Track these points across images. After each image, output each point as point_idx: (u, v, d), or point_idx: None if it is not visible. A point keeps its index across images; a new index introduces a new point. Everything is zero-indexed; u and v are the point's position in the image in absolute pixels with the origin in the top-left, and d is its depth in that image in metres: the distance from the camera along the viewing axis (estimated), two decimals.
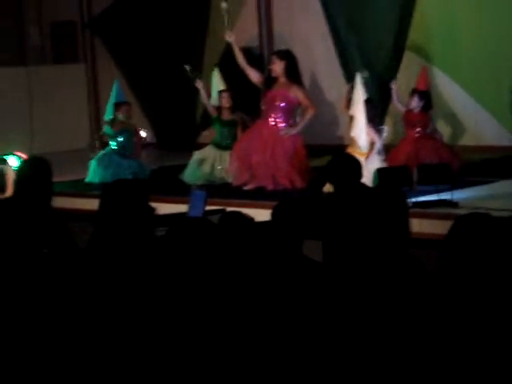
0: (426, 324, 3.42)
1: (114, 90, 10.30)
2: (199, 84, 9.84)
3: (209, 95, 9.98)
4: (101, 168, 9.89)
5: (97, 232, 3.74)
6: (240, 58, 9.20)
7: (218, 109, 9.79)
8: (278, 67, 8.93)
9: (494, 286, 3.45)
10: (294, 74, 9.01)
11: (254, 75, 9.17)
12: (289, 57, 9.06)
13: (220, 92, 9.81)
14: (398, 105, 9.50)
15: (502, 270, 3.50)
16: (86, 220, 6.10)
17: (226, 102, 9.69)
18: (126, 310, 3.42)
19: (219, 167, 9.50)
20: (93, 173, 9.92)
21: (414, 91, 9.28)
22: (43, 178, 4.92)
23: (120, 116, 10.08)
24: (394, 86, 9.49)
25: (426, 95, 9.26)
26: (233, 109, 9.70)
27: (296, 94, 8.96)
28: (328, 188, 5.74)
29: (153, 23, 12.86)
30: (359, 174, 5.56)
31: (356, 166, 5.56)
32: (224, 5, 9.61)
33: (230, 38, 9.26)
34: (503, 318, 3.36)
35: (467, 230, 3.55)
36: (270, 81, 8.99)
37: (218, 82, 9.94)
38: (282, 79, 8.94)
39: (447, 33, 10.64)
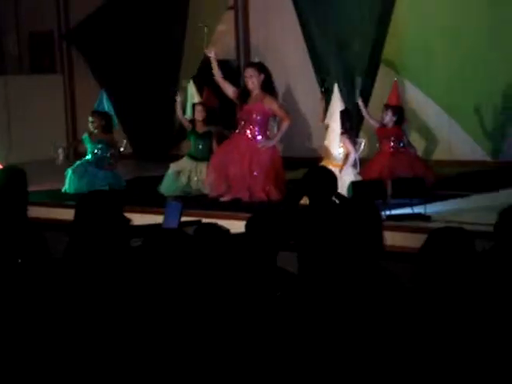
0: (401, 336, 3.45)
1: (102, 99, 10.27)
2: (178, 98, 9.88)
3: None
4: (76, 178, 9.88)
5: (72, 242, 3.74)
6: (217, 73, 9.22)
7: (192, 121, 9.81)
8: (257, 80, 8.94)
9: (466, 299, 3.49)
10: (269, 86, 9.05)
11: (230, 90, 9.19)
12: (266, 70, 9.10)
13: (194, 105, 9.83)
14: (369, 120, 9.55)
15: (473, 284, 3.54)
16: (61, 230, 6.10)
17: (200, 115, 9.71)
18: (100, 320, 3.43)
19: (195, 178, 9.51)
20: (68, 182, 9.91)
21: (387, 106, 9.34)
22: (18, 188, 4.92)
23: (90, 126, 10.07)
24: (360, 101, 9.53)
25: (398, 110, 9.33)
26: (207, 121, 9.74)
27: (270, 105, 8.99)
28: (304, 201, 5.77)
29: (130, 34, 12.86)
30: (334, 187, 5.59)
31: (331, 179, 5.59)
32: (206, 30, 9.66)
33: (210, 53, 9.28)
34: (477, 330, 3.39)
35: (441, 243, 3.59)
36: (245, 94, 9.01)
37: (192, 95, 9.96)
38: (257, 91, 8.97)
39: (421, 47, 10.73)
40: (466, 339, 3.38)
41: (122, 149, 10.34)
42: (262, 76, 8.94)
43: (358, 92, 9.39)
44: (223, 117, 9.80)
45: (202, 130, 9.73)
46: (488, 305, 3.50)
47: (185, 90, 10.29)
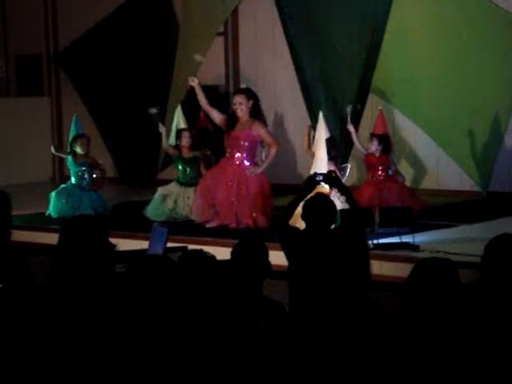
0: (388, 366, 3.42)
1: (73, 124, 10.27)
2: (162, 129, 9.84)
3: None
4: (60, 201, 9.82)
5: (55, 267, 3.69)
6: (203, 100, 9.19)
7: (177, 146, 9.76)
8: (245, 107, 8.91)
9: (452, 330, 3.46)
10: (258, 111, 9.02)
11: (217, 116, 9.16)
12: (254, 95, 9.07)
13: (180, 131, 9.77)
14: (360, 148, 9.54)
15: (459, 314, 3.52)
16: (44, 254, 6.03)
17: (186, 141, 9.67)
18: (82, 346, 3.37)
19: (182, 204, 9.46)
20: (52, 206, 9.85)
21: (373, 135, 9.34)
22: (2, 211, 4.86)
23: (78, 149, 10.06)
24: (350, 128, 9.53)
25: (384, 138, 9.32)
26: (193, 146, 9.70)
27: (258, 131, 8.96)
28: (300, 224, 5.71)
29: (119, 58, 12.88)
30: (333, 217, 5.52)
31: (330, 208, 5.53)
32: (198, 58, 9.63)
33: (193, 81, 9.25)
34: (465, 358, 3.37)
35: (427, 273, 3.58)
36: (232, 120, 8.98)
37: (179, 120, 9.92)
38: (245, 117, 8.94)
39: (409, 76, 10.76)
40: (454, 367, 3.35)
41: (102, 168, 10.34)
42: (251, 102, 8.91)
43: (349, 118, 9.40)
44: (217, 139, 9.74)
45: (188, 156, 9.69)
46: (474, 335, 3.48)
47: (171, 116, 10.26)
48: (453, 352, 3.41)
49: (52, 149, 10.63)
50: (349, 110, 9.62)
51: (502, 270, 3.90)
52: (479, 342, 3.48)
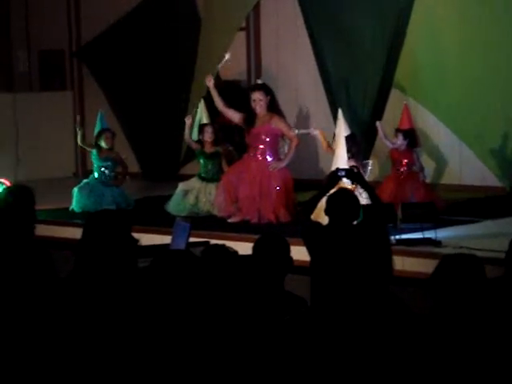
0: (409, 363, 3.41)
1: (98, 119, 10.32)
2: (188, 120, 9.84)
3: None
4: (83, 196, 9.87)
5: (78, 261, 3.71)
6: (218, 102, 9.18)
7: (200, 141, 9.77)
8: (264, 103, 8.92)
9: (478, 325, 3.45)
10: (275, 106, 9.03)
11: (235, 116, 9.16)
12: (271, 90, 9.11)
13: (203, 126, 9.78)
14: (386, 142, 9.51)
15: (485, 310, 3.50)
16: (68, 249, 6.06)
17: (209, 136, 9.67)
18: (106, 340, 3.39)
19: (204, 199, 9.47)
20: (75, 201, 9.90)
21: (398, 130, 9.31)
22: (26, 206, 4.89)
23: (103, 144, 10.10)
24: (378, 124, 9.51)
25: (409, 133, 9.29)
26: (215, 142, 9.70)
27: (278, 125, 8.98)
28: (323, 218, 5.71)
29: (141, 53, 12.90)
30: (357, 212, 5.52)
31: (354, 203, 5.52)
32: (227, 56, 9.63)
33: (209, 82, 9.26)
34: (490, 354, 3.35)
35: (453, 269, 3.55)
36: (251, 118, 8.97)
37: (202, 115, 9.93)
38: (263, 113, 8.95)
39: (433, 71, 10.71)
40: (478, 364, 3.34)
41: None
42: (269, 97, 8.93)
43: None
44: (240, 135, 9.72)
45: (210, 151, 9.69)
46: (499, 331, 3.46)
47: (195, 110, 10.27)
48: (477, 348, 3.39)
49: (78, 139, 10.64)
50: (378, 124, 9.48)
51: None
52: (503, 338, 3.46)
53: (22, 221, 4.83)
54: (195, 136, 9.85)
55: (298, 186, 9.37)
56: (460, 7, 10.54)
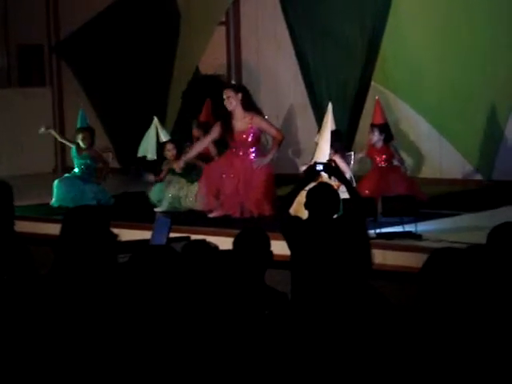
0: (390, 355, 3.41)
1: (79, 117, 10.31)
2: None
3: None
4: (62, 189, 9.86)
5: (58, 257, 3.69)
6: (198, 150, 9.28)
7: (164, 158, 9.56)
8: (234, 100, 8.94)
9: (469, 319, 3.45)
10: (250, 103, 9.06)
11: (214, 135, 9.18)
12: (243, 88, 9.18)
13: (163, 144, 9.62)
14: (363, 156, 9.45)
15: (476, 303, 3.50)
16: (47, 245, 6.03)
17: (172, 155, 9.54)
18: (86, 336, 3.38)
19: (185, 194, 9.42)
20: (54, 193, 9.88)
21: (373, 126, 9.32)
22: (4, 202, 4.86)
23: (80, 143, 10.09)
24: (352, 155, 9.37)
25: (384, 128, 9.31)
26: (179, 154, 9.48)
27: (259, 124, 9.02)
28: (302, 213, 5.71)
29: (120, 48, 12.86)
30: (337, 206, 5.52)
31: (333, 197, 5.52)
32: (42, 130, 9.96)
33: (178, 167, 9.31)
34: (482, 350, 3.36)
35: (443, 264, 3.55)
36: (227, 123, 8.97)
37: (158, 133, 9.73)
38: (239, 112, 8.95)
39: (412, 65, 10.75)
40: (465, 356, 3.35)
41: (109, 159, 10.37)
42: (240, 95, 8.95)
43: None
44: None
45: (179, 167, 9.39)
46: (484, 327, 3.46)
47: (172, 108, 10.24)
48: (463, 342, 3.39)
49: (57, 137, 10.67)
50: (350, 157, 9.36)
51: (504, 257, 3.89)
52: (487, 331, 3.46)
53: (1, 217, 4.80)
54: (153, 155, 9.67)
55: (278, 180, 9.37)
56: (440, 0, 10.59)
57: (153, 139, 9.79)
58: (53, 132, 10.78)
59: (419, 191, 9.06)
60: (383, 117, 9.44)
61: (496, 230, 4.00)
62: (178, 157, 9.54)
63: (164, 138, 9.75)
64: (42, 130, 10.65)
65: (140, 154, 9.89)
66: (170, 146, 9.61)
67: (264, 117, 9.26)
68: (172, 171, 9.53)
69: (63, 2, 13.68)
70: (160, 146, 9.72)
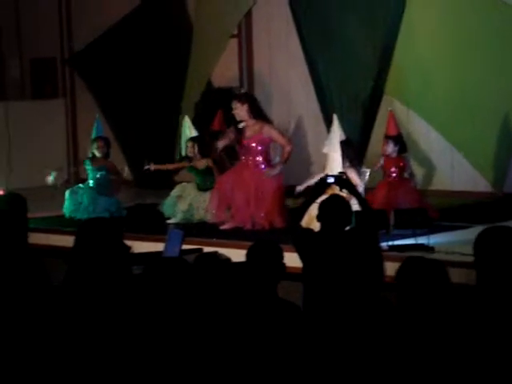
0: (400, 368, 3.42)
1: (94, 127, 10.34)
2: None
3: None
4: (75, 202, 9.87)
5: (71, 269, 3.71)
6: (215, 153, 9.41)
7: (188, 157, 9.75)
8: (241, 111, 8.97)
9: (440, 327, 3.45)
10: (258, 113, 9.07)
11: (227, 139, 9.23)
12: (249, 98, 9.21)
13: (187, 141, 9.79)
14: (377, 169, 9.45)
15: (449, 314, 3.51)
16: (61, 257, 6.05)
17: (191, 151, 9.67)
18: (100, 347, 3.39)
19: (197, 206, 9.45)
20: (67, 206, 9.90)
21: (388, 137, 9.32)
22: (19, 214, 4.89)
23: (96, 152, 10.10)
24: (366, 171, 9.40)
25: (398, 139, 9.31)
26: (202, 154, 9.61)
27: (269, 133, 9.03)
28: (315, 225, 5.72)
29: (133, 61, 12.90)
30: (349, 218, 5.53)
31: (346, 210, 5.53)
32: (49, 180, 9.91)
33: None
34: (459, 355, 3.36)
35: (412, 272, 3.59)
36: (238, 130, 9.02)
37: (185, 131, 9.95)
38: (249, 121, 8.98)
39: (423, 77, 10.74)
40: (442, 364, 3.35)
41: (125, 174, 10.41)
42: (246, 105, 8.97)
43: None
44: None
45: (200, 166, 9.61)
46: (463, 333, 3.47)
47: (181, 126, 10.33)
48: (441, 349, 3.40)
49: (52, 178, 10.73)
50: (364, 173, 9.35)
51: (494, 263, 3.85)
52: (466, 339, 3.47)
53: (15, 229, 4.83)
54: (183, 152, 9.89)
55: (290, 191, 9.37)
56: (452, 12, 10.59)
57: (184, 137, 9.93)
58: (54, 178, 10.74)
59: (429, 206, 9.02)
60: (397, 128, 9.45)
61: (481, 235, 4.00)
62: (201, 154, 9.60)
63: (189, 134, 9.88)
64: (50, 179, 10.66)
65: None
66: (189, 143, 9.70)
67: (274, 127, 9.27)
68: (191, 169, 9.69)
69: (76, 15, 13.74)
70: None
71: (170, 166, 10.18)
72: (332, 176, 5.94)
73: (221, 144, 9.30)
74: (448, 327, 3.44)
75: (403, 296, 3.55)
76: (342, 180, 5.90)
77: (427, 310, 3.48)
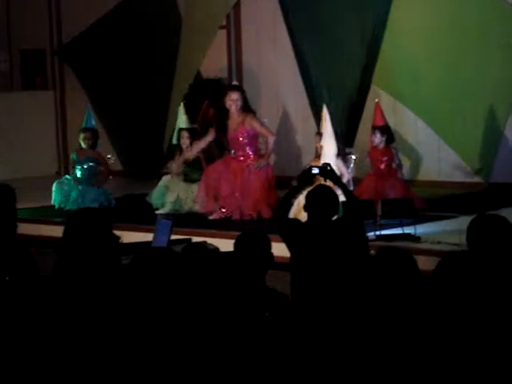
0: (391, 357, 3.44)
1: (85, 117, 10.32)
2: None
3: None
4: (63, 193, 9.86)
5: (60, 260, 3.73)
6: (195, 151, 9.34)
7: (178, 146, 9.72)
8: (240, 102, 8.97)
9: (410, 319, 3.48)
10: (248, 105, 9.11)
11: (208, 138, 9.25)
12: (243, 89, 9.18)
13: (180, 130, 9.76)
14: (367, 160, 9.49)
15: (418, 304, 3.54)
16: (49, 247, 6.07)
17: (184, 143, 9.65)
18: (89, 337, 3.41)
19: (185, 197, 9.46)
20: (55, 197, 9.90)
21: (374, 128, 9.35)
22: (7, 205, 4.90)
23: (82, 143, 10.10)
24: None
25: (385, 129, 9.34)
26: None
27: (251, 125, 9.04)
28: (302, 216, 5.76)
29: (122, 52, 12.90)
30: (336, 208, 5.57)
31: (333, 199, 5.57)
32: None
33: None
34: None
35: (382, 262, 3.62)
36: (222, 127, 8.99)
37: (180, 119, 9.92)
38: (236, 113, 8.99)
39: (411, 69, 10.77)
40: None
41: (111, 162, 10.38)
42: (243, 96, 9.00)
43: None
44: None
45: (190, 156, 9.60)
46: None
47: (174, 111, 10.28)
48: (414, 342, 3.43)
49: None
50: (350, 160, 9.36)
51: (486, 248, 3.89)
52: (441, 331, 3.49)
53: (3, 220, 4.84)
54: (174, 140, 9.87)
55: (280, 183, 9.40)
56: (439, 4, 10.62)
57: (178, 125, 9.89)
58: None
59: (416, 196, 9.05)
60: (384, 118, 9.47)
61: (473, 222, 4.05)
62: (190, 144, 9.60)
63: (182, 125, 9.80)
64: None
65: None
66: (184, 134, 9.68)
67: (257, 118, 9.27)
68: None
69: (65, 6, 13.72)
70: (178, 133, 9.81)
71: (181, 160, 9.86)
72: (316, 167, 5.97)
73: (195, 148, 9.33)
74: (438, 314, 3.47)
75: (375, 285, 3.59)
76: (326, 171, 5.93)
77: (401, 298, 3.52)
